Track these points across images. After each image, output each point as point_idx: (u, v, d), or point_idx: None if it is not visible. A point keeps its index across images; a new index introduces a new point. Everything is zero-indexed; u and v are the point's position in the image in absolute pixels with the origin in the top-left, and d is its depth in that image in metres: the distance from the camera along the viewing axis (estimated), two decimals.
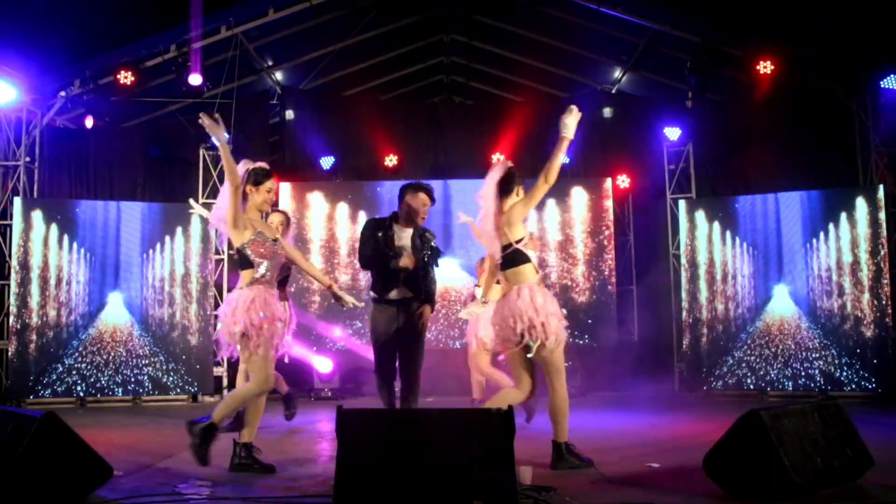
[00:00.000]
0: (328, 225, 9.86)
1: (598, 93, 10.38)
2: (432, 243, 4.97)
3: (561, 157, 4.31)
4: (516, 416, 3.36)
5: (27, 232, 8.51)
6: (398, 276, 4.78)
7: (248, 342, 4.18)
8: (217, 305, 9.19)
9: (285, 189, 9.84)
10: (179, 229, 8.94)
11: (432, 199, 4.91)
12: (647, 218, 10.03)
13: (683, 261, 9.14)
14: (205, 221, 8.67)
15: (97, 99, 8.72)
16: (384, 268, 4.80)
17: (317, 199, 9.91)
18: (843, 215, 8.38)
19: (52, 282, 8.54)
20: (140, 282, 8.82)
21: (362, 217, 9.47)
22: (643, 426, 6.39)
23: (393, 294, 4.82)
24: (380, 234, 4.84)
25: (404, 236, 4.87)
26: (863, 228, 8.29)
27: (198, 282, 8.94)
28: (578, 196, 9.78)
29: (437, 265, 5.01)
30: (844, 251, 8.34)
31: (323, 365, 9.09)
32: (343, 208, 9.86)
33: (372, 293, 4.96)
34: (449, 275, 9.22)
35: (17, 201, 8.57)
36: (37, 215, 8.56)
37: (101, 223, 8.77)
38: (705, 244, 9.00)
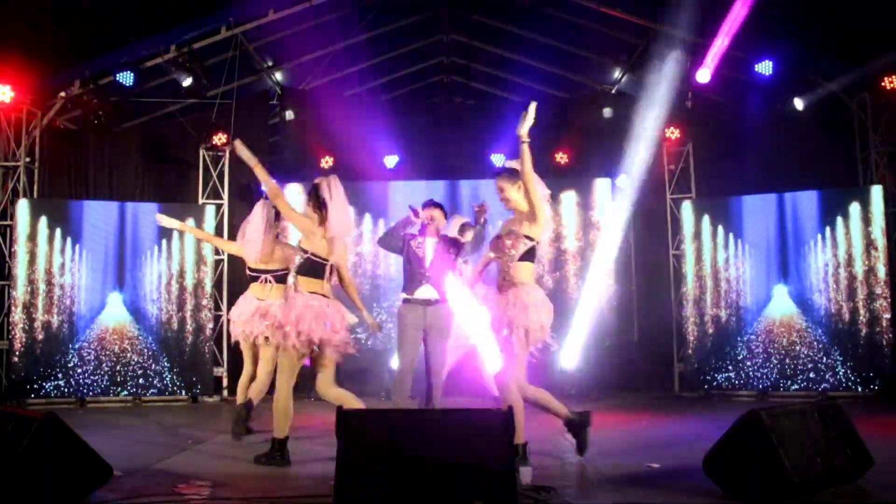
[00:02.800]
0: None
1: (598, 93, 10.37)
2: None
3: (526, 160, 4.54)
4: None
5: (27, 232, 8.50)
6: (425, 276, 5.30)
7: None
8: (217, 306, 9.21)
9: (285, 190, 9.83)
10: None
11: (443, 211, 5.52)
12: (647, 218, 10.02)
13: (683, 261, 9.14)
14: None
15: (97, 99, 8.71)
16: (410, 269, 5.36)
17: None
18: (843, 215, 8.38)
19: (52, 282, 8.53)
20: (140, 282, 8.81)
21: (363, 217, 9.46)
22: (643, 426, 6.39)
23: (420, 294, 5.28)
24: (409, 233, 5.43)
25: (427, 246, 5.39)
26: (863, 228, 8.28)
27: (198, 282, 8.94)
28: (579, 196, 9.76)
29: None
30: (844, 251, 8.34)
31: None
32: None
33: (403, 293, 5.41)
34: None
35: (17, 202, 8.56)
36: (36, 215, 8.55)
37: (101, 223, 8.75)
38: (705, 244, 8.99)
